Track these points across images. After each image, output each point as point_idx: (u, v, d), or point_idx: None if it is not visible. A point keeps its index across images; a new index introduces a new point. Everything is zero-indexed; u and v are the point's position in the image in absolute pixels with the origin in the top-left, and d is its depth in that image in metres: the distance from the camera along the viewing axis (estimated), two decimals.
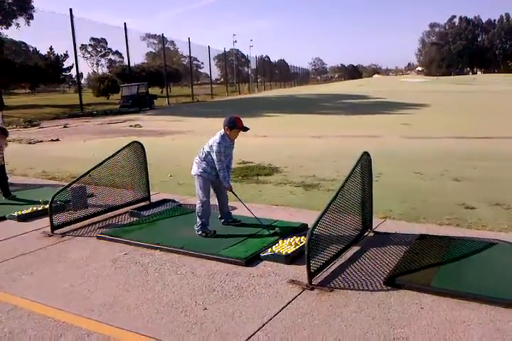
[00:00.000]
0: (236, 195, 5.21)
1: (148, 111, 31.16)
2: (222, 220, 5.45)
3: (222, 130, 5.00)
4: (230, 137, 5.00)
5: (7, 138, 7.37)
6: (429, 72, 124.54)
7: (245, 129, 5.02)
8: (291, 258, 4.29)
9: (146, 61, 63.91)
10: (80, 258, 4.66)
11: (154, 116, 26.89)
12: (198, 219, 5.13)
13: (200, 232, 5.11)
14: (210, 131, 5.10)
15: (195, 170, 5.12)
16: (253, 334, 3.10)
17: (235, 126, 4.95)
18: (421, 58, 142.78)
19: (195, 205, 5.21)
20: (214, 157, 4.94)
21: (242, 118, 5.04)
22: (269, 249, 4.47)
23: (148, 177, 6.67)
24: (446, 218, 5.45)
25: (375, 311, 3.34)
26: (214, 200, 5.35)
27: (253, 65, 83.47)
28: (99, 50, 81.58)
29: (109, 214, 6.14)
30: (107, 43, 76.63)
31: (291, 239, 4.66)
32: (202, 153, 5.10)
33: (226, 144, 4.97)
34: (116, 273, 4.25)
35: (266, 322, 3.24)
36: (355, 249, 4.55)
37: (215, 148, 4.92)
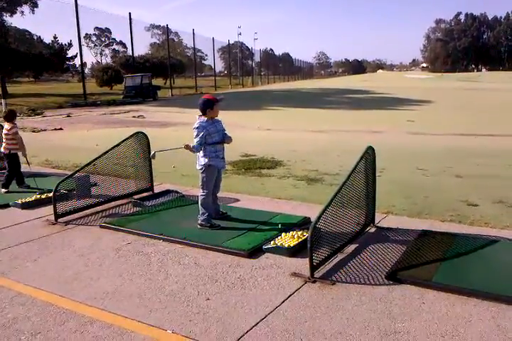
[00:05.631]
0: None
1: (152, 102, 31.15)
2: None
3: (200, 117, 4.98)
4: (214, 115, 4.98)
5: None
6: (433, 69, 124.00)
7: (220, 99, 5.02)
8: (294, 251, 4.30)
9: (149, 52, 63.79)
10: (83, 246, 4.69)
11: (157, 107, 26.86)
12: (203, 211, 5.11)
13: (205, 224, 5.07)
14: None
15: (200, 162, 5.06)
16: (255, 325, 3.12)
17: (212, 104, 4.94)
18: (426, 54, 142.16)
19: (198, 197, 5.21)
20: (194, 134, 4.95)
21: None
22: (272, 242, 4.49)
23: (152, 168, 6.68)
24: (449, 214, 5.46)
25: (376, 305, 3.36)
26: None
27: (257, 58, 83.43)
28: (103, 39, 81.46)
29: (112, 203, 6.15)
30: (111, 33, 76.50)
31: (294, 232, 4.67)
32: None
33: (206, 124, 4.91)
34: (119, 262, 4.27)
35: (268, 314, 3.26)
36: (357, 243, 4.56)
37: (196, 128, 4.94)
